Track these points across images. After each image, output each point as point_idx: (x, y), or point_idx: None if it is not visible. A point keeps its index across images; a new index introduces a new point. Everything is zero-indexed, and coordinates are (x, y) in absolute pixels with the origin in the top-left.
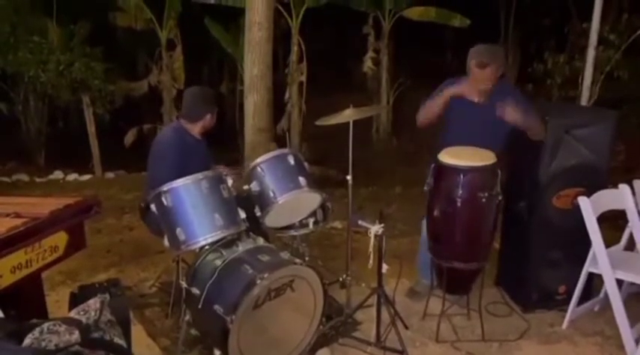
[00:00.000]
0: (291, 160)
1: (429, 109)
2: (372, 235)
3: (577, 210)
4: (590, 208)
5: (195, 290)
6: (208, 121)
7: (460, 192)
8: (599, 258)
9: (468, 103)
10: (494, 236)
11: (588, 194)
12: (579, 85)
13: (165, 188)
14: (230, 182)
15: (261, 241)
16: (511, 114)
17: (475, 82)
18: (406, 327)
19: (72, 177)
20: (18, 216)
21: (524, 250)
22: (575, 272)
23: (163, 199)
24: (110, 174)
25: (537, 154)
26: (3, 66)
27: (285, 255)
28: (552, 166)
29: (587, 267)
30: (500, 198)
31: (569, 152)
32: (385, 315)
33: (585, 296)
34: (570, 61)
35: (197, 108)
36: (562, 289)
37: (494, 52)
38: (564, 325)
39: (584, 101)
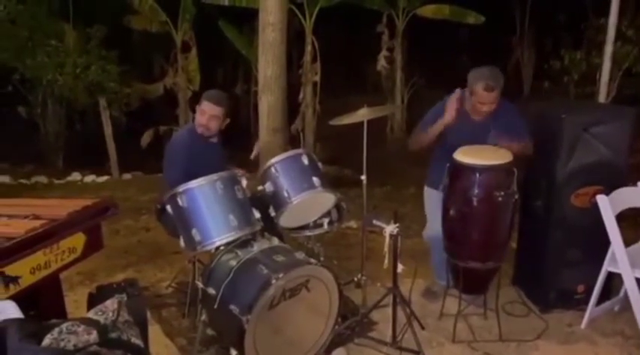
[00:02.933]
0: (305, 160)
1: (422, 139)
2: (387, 235)
3: (595, 208)
4: (608, 206)
5: (211, 291)
6: (204, 106)
7: (476, 191)
8: (619, 257)
9: (464, 123)
10: (511, 235)
11: (607, 192)
12: (597, 82)
13: (180, 189)
14: (244, 183)
15: (276, 241)
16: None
17: (480, 105)
18: (422, 327)
19: (89, 178)
20: (37, 217)
21: (541, 249)
22: (594, 272)
23: (179, 200)
24: (127, 176)
25: (554, 152)
26: (21, 70)
27: (300, 255)
28: (570, 164)
29: (607, 266)
30: (516, 196)
31: (586, 150)
32: (401, 315)
33: (604, 296)
34: (587, 58)
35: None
36: (581, 288)
37: (497, 74)
38: (583, 325)
39: (601, 98)
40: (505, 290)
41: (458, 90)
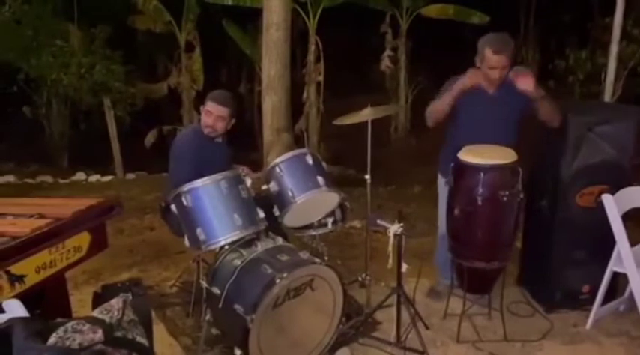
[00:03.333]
0: (309, 160)
1: (439, 107)
2: (391, 234)
3: (601, 208)
4: (614, 206)
5: (216, 290)
6: (210, 107)
7: (481, 190)
8: (624, 257)
9: (477, 96)
10: (516, 235)
11: (612, 192)
12: (602, 82)
13: (185, 188)
14: (249, 182)
15: (280, 241)
16: (530, 83)
17: (489, 70)
18: (427, 327)
19: (94, 178)
20: (42, 216)
21: (546, 249)
22: (599, 272)
23: (183, 199)
24: (131, 175)
25: (559, 152)
26: (26, 70)
27: (304, 254)
28: (575, 164)
29: (612, 266)
30: (521, 196)
31: (592, 149)
32: (405, 315)
33: (610, 296)
34: (592, 57)
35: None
36: (586, 288)
37: (506, 39)
38: (588, 325)
39: (607, 97)
40: (510, 290)
41: (471, 69)
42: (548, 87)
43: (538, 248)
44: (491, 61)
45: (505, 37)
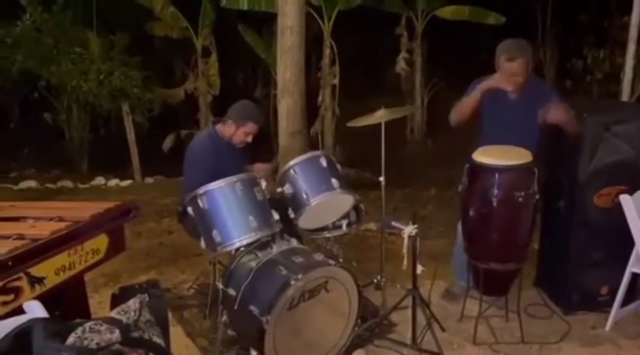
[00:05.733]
0: (324, 162)
1: (463, 107)
2: (405, 236)
3: (618, 208)
4: (632, 206)
5: (232, 291)
6: (249, 129)
7: (496, 191)
8: None
9: (501, 99)
10: (532, 236)
11: (630, 192)
12: (620, 81)
13: (201, 191)
14: (264, 184)
15: (295, 243)
16: (559, 114)
17: (506, 77)
18: (443, 329)
19: (113, 182)
20: (61, 219)
21: (564, 250)
22: (618, 273)
23: (199, 202)
24: (149, 180)
25: (576, 152)
26: (47, 77)
27: (319, 256)
28: (592, 164)
29: (631, 267)
30: (537, 197)
31: (609, 149)
32: (421, 317)
33: (629, 297)
34: (610, 57)
35: (244, 113)
36: (604, 290)
37: (521, 45)
38: (607, 327)
39: (625, 97)
40: (527, 291)
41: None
42: (566, 87)
43: (555, 249)
44: (505, 68)
45: (520, 43)
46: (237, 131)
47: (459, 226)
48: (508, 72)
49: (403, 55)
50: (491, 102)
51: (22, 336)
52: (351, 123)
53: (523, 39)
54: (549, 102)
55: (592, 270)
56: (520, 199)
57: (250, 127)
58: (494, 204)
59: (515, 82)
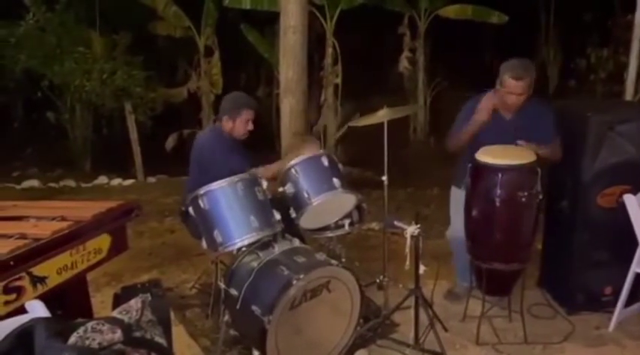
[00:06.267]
0: (325, 162)
1: (459, 139)
2: (408, 236)
3: (622, 208)
4: (636, 206)
5: (234, 291)
6: (246, 115)
7: (499, 191)
8: None
9: (494, 120)
10: (536, 236)
11: (634, 191)
12: (624, 80)
13: (201, 191)
14: (265, 184)
15: (297, 242)
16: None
17: (509, 96)
18: (445, 329)
19: (116, 182)
20: (63, 219)
21: (567, 250)
22: (622, 273)
23: (200, 202)
24: (152, 179)
25: (580, 152)
26: (50, 77)
27: (320, 256)
28: (596, 164)
29: (634, 268)
30: (540, 197)
31: (613, 149)
32: (423, 317)
33: (633, 298)
34: (614, 56)
35: (234, 104)
36: (608, 290)
37: (527, 65)
38: (611, 327)
39: (628, 96)
40: (530, 292)
41: (489, 92)
42: (570, 86)
43: (559, 249)
44: (510, 87)
45: (527, 63)
46: (235, 123)
47: (453, 229)
48: (512, 90)
49: (406, 54)
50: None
51: (24, 336)
52: (353, 123)
53: (528, 59)
54: (544, 127)
55: (595, 270)
56: (523, 199)
57: (246, 114)
58: (498, 203)
59: (514, 103)
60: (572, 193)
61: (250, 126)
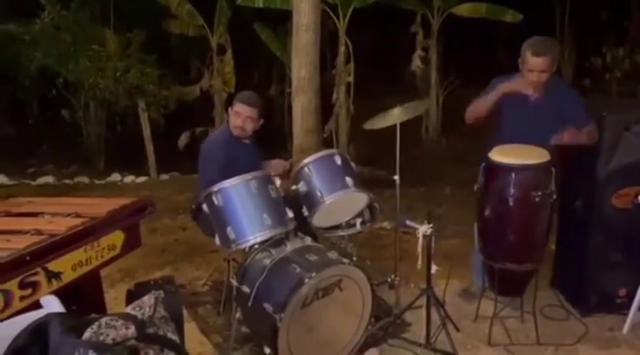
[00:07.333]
0: (338, 160)
1: (480, 105)
2: (420, 235)
3: (637, 209)
4: None
5: (246, 289)
6: (237, 108)
7: (512, 191)
8: None
9: (520, 101)
10: (549, 236)
11: None
12: None
13: (215, 188)
14: (278, 182)
15: (309, 241)
16: (571, 138)
17: (530, 73)
18: (457, 329)
19: (129, 179)
20: (78, 215)
21: (581, 251)
22: (637, 275)
23: (214, 199)
24: (165, 176)
25: (595, 152)
26: (65, 74)
27: (332, 254)
28: (611, 164)
29: None
30: (554, 197)
31: (628, 149)
32: (435, 317)
33: None
34: (630, 55)
35: (234, 98)
36: (622, 292)
37: (550, 43)
38: (625, 329)
39: None
40: (543, 292)
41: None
42: (585, 85)
43: (572, 250)
44: (531, 63)
45: (549, 41)
46: (230, 116)
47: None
48: (532, 68)
49: (419, 52)
50: (510, 103)
51: (38, 331)
52: (367, 126)
53: (551, 38)
54: (574, 108)
55: (610, 272)
56: (537, 199)
57: (237, 106)
58: (511, 203)
59: (537, 80)
60: (586, 193)
61: (240, 122)
